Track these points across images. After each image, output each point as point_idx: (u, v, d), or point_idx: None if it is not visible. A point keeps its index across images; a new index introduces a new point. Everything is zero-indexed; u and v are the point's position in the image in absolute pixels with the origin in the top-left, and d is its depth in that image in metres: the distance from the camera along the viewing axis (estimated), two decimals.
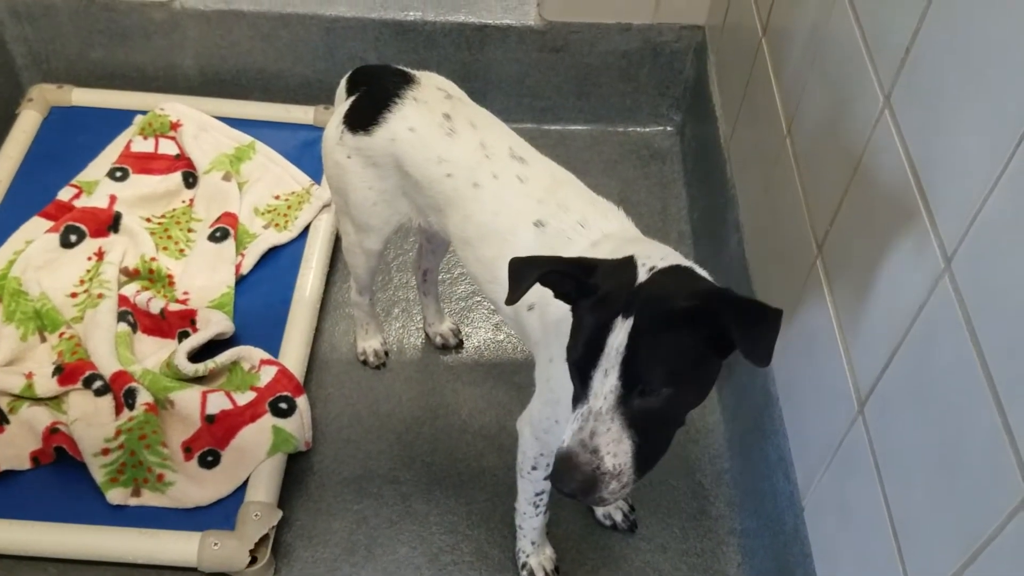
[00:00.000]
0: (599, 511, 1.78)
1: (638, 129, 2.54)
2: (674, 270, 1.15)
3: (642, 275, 1.11)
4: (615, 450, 1.07)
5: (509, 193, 1.42)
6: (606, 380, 1.06)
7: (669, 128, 2.53)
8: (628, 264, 1.14)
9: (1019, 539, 0.89)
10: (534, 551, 1.68)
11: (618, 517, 1.78)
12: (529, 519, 1.61)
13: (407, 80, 1.54)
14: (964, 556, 0.98)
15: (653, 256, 1.15)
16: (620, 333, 1.05)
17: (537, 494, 1.56)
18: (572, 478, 1.08)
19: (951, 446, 1.03)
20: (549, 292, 1.17)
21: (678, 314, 1.06)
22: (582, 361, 1.08)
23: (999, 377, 0.94)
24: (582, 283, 1.11)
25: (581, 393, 1.09)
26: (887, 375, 1.20)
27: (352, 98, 1.57)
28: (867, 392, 1.25)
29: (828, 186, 1.42)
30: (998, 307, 0.95)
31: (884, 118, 1.23)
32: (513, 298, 1.13)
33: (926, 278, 1.09)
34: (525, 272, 1.13)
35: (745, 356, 1.02)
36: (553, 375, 1.35)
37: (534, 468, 1.50)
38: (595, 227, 1.36)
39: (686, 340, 1.07)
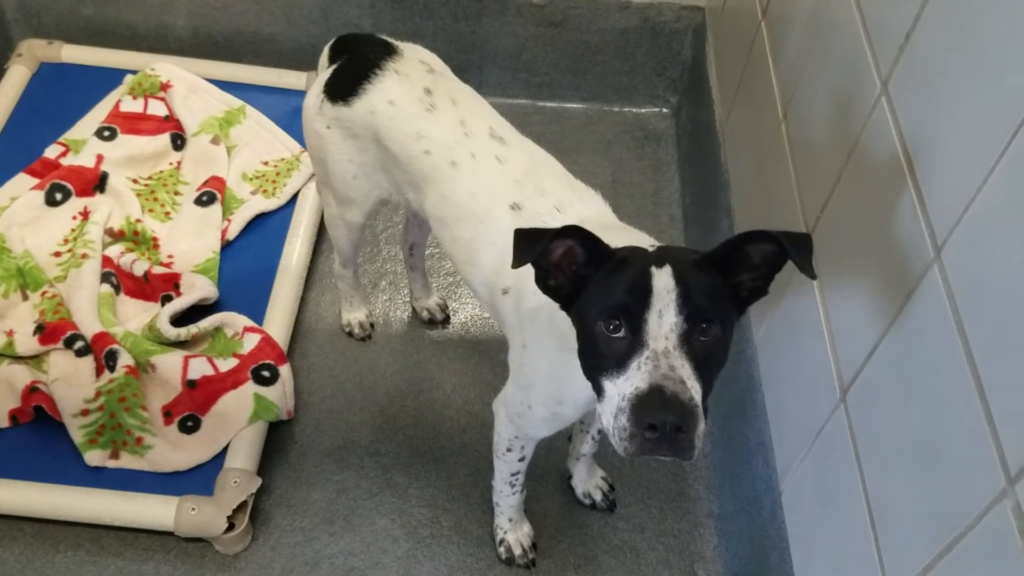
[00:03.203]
0: (579, 489, 1.78)
1: (633, 110, 2.52)
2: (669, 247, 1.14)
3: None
4: (694, 387, 1.00)
5: (487, 174, 1.39)
6: (662, 321, 1.01)
7: (665, 110, 2.52)
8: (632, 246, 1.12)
9: (997, 530, 0.89)
10: (512, 528, 1.68)
11: (597, 496, 1.78)
12: (506, 497, 1.62)
13: (389, 51, 1.51)
14: (940, 545, 0.98)
15: (643, 241, 1.14)
16: (663, 276, 1.02)
17: (513, 474, 1.56)
18: (667, 408, 0.97)
19: (933, 436, 1.03)
20: (525, 277, 1.14)
21: (707, 259, 1.06)
22: (629, 306, 1.02)
23: (984, 369, 0.94)
24: (597, 249, 1.07)
25: (631, 344, 1.02)
26: (871, 363, 1.19)
27: (333, 67, 1.55)
28: (850, 380, 1.25)
29: (821, 172, 1.42)
30: (986, 298, 0.95)
31: (881, 105, 1.22)
32: (521, 261, 1.05)
33: (915, 267, 1.09)
34: (538, 236, 1.06)
35: (796, 263, 1.03)
36: (527, 361, 1.34)
37: (508, 450, 1.50)
38: (571, 211, 1.34)
39: (719, 283, 1.06)
